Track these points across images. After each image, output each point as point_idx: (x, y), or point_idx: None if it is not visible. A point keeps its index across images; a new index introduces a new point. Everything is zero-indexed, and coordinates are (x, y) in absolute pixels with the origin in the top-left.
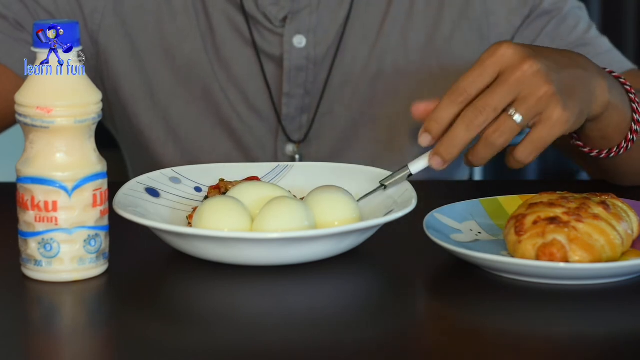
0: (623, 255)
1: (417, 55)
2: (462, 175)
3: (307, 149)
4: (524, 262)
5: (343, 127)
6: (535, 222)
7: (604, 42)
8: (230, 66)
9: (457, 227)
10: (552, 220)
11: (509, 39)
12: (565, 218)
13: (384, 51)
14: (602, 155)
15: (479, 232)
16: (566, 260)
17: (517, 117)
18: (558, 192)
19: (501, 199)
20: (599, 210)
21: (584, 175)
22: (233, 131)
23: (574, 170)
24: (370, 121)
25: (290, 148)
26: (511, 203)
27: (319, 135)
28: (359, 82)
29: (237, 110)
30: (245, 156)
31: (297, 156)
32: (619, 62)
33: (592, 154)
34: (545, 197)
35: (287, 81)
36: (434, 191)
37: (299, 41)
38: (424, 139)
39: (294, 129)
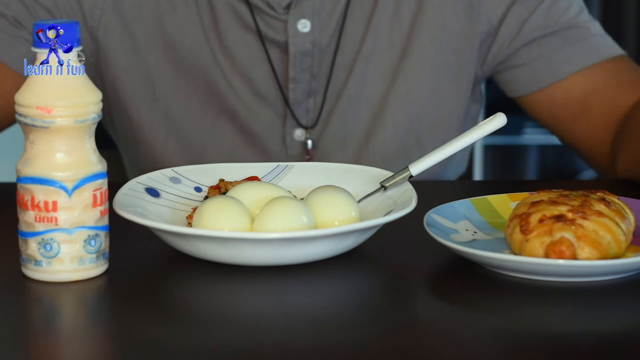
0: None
1: (408, 28)
2: (460, 170)
3: (319, 133)
4: (538, 260)
5: (352, 108)
6: (541, 221)
7: (595, 26)
8: (234, 54)
9: (453, 227)
10: (559, 218)
11: (500, 14)
12: (570, 216)
13: (378, 27)
14: None
15: (475, 232)
16: (575, 258)
17: None
18: (555, 190)
19: (490, 197)
20: (601, 207)
21: (585, 176)
22: (238, 119)
23: (574, 171)
24: (369, 101)
25: (299, 133)
26: (499, 201)
27: (330, 120)
28: (359, 61)
29: (242, 98)
30: (252, 144)
31: (309, 141)
32: (609, 47)
33: None
34: (544, 195)
35: (292, 66)
36: (434, 191)
37: (304, 25)
38: None
39: (302, 113)
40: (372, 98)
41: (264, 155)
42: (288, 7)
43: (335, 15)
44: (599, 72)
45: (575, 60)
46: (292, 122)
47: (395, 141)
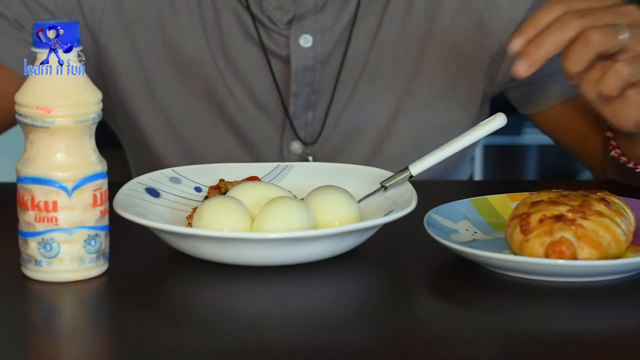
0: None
1: (416, 47)
2: (463, 175)
3: (318, 148)
4: (538, 260)
5: (357, 126)
6: (541, 221)
7: None
8: (236, 63)
9: (453, 227)
10: (559, 218)
11: (509, 33)
12: (570, 216)
13: (384, 44)
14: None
15: (475, 232)
16: (575, 258)
17: (623, 35)
18: (555, 190)
19: (490, 197)
20: (601, 207)
21: (585, 176)
22: (237, 128)
23: (574, 171)
24: (375, 120)
25: (296, 145)
26: (499, 201)
27: (331, 135)
28: (363, 80)
29: (242, 106)
30: (249, 153)
31: (310, 158)
32: None
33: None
34: (544, 195)
35: (294, 81)
36: (434, 191)
37: (306, 41)
38: (516, 43)
39: (300, 126)
40: (378, 117)
41: None
42: (290, 22)
43: (338, 30)
44: None
45: None
46: (291, 134)
47: (401, 161)
